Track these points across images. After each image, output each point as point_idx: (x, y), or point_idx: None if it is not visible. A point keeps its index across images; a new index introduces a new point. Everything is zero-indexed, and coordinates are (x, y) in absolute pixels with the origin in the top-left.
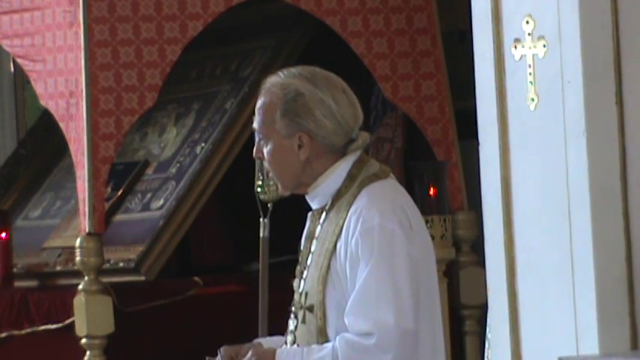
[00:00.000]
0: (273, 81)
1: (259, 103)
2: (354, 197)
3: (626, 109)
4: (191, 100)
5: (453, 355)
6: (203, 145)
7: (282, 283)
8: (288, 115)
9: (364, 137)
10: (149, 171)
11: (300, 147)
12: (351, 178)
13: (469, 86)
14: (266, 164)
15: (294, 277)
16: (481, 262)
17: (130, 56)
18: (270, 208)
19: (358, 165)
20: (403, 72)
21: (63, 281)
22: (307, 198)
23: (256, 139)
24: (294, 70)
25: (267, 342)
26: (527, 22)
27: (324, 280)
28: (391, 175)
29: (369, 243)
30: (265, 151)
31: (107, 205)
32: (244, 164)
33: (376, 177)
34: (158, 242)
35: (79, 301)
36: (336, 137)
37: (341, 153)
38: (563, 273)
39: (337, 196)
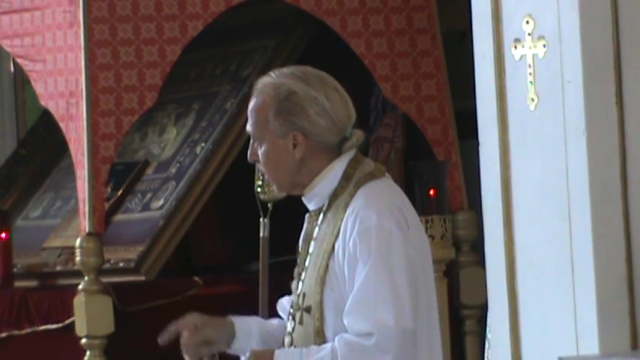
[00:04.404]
0: (265, 81)
1: (252, 104)
2: (351, 197)
3: (626, 109)
4: (191, 100)
5: (453, 355)
6: (203, 145)
7: (282, 283)
8: (281, 115)
9: (358, 135)
10: (149, 171)
11: (294, 146)
12: (346, 177)
13: (469, 86)
14: (260, 166)
15: (292, 278)
16: (481, 262)
17: (130, 56)
18: (270, 208)
19: (353, 164)
20: (403, 72)
21: (63, 281)
22: (304, 200)
23: (250, 142)
24: (285, 70)
25: (262, 323)
26: (527, 22)
27: (322, 281)
28: (386, 174)
29: (367, 243)
30: (260, 152)
31: (107, 205)
32: (244, 164)
33: (372, 176)
34: (158, 242)
35: (79, 301)
36: (331, 135)
37: (336, 152)
38: (563, 273)
39: (334, 197)
